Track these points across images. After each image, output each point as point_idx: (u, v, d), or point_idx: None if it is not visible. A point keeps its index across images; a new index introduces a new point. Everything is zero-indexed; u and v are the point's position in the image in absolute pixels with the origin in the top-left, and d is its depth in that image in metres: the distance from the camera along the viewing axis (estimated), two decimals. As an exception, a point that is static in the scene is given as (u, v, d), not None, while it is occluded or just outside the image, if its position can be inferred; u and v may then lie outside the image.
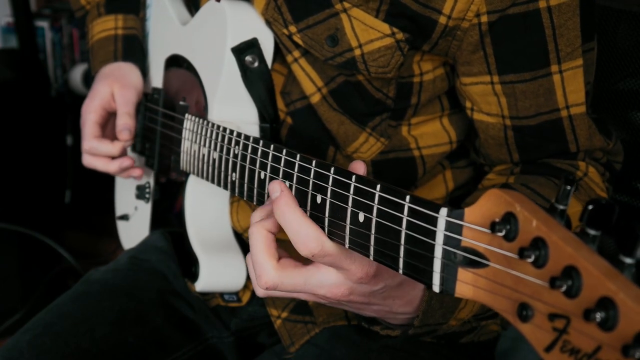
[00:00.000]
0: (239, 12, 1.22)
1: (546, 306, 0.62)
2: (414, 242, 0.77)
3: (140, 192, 1.49)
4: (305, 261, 0.95)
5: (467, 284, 0.71)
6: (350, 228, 0.86)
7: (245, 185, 1.08)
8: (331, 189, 0.89)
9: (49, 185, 2.74)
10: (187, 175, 1.30)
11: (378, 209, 0.82)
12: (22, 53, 2.65)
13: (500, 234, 0.67)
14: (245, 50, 1.20)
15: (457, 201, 1.33)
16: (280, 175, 0.98)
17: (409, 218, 0.78)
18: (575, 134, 1.14)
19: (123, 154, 1.41)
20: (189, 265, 1.29)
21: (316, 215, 0.92)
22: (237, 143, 1.10)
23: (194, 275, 1.28)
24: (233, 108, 1.23)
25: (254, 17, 1.21)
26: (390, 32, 1.12)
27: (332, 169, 0.89)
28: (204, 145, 1.21)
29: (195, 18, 1.34)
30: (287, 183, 0.97)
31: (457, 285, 0.73)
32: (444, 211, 0.73)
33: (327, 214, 0.90)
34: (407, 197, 0.78)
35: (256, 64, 1.21)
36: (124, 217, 1.59)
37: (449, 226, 0.73)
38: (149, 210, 1.48)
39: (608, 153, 1.20)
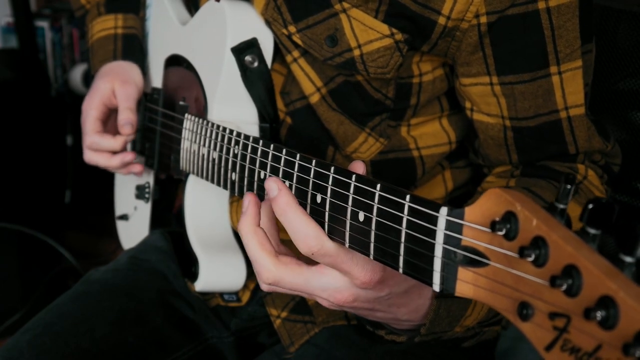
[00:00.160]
0: (238, 12, 1.22)
1: (546, 305, 0.62)
2: (414, 241, 0.77)
3: (140, 192, 1.49)
4: (309, 262, 0.94)
5: (467, 283, 0.71)
6: (350, 227, 0.86)
7: (245, 184, 1.08)
8: (331, 188, 0.89)
9: (49, 185, 2.74)
10: (186, 175, 1.30)
11: (378, 208, 0.82)
12: (22, 53, 2.65)
13: (500, 233, 0.67)
14: (245, 50, 1.20)
15: (457, 201, 1.33)
16: (280, 175, 0.98)
17: (409, 217, 0.78)
18: (574, 135, 1.14)
19: (124, 149, 1.41)
20: (189, 265, 1.29)
21: (316, 215, 0.92)
22: (237, 143, 1.10)
23: (193, 275, 1.28)
24: (233, 108, 1.23)
25: (253, 17, 1.21)
26: (389, 33, 1.12)
27: (332, 168, 0.89)
28: (204, 145, 1.21)
29: (194, 18, 1.34)
30: (287, 182, 0.96)
31: (457, 284, 0.73)
32: (444, 210, 0.73)
33: (327, 213, 0.90)
34: (407, 197, 0.78)
35: (256, 64, 1.21)
36: (124, 217, 1.59)
37: (449, 225, 0.73)
38: (148, 210, 1.48)
39: (606, 155, 1.20)
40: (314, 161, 0.92)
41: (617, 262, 0.59)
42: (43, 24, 2.83)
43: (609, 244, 0.67)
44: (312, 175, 0.92)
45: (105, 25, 1.51)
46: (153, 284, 1.37)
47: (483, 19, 1.07)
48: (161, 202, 1.45)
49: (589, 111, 1.16)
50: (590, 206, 0.63)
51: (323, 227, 0.91)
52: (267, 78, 1.22)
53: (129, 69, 1.47)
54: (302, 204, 0.93)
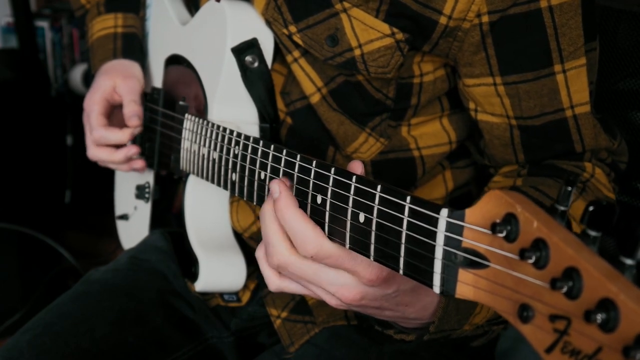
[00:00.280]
0: (238, 12, 1.21)
1: (547, 307, 0.62)
2: (414, 243, 0.77)
3: (140, 192, 1.49)
4: None
5: (467, 285, 0.71)
6: (351, 228, 0.86)
7: (246, 185, 1.08)
8: (331, 189, 0.89)
9: (49, 185, 2.74)
10: (187, 175, 1.30)
11: (379, 209, 0.82)
12: (22, 53, 2.65)
13: (501, 235, 0.67)
14: (245, 50, 1.20)
15: (457, 201, 1.33)
16: (280, 176, 0.98)
17: (409, 219, 0.78)
18: (580, 133, 1.13)
19: (130, 142, 1.41)
20: (189, 265, 1.29)
21: (317, 215, 0.92)
22: (237, 143, 1.10)
23: (193, 276, 1.28)
24: (233, 108, 1.23)
25: (253, 17, 1.21)
26: (390, 32, 1.12)
27: (333, 169, 0.89)
28: (204, 145, 1.21)
29: (195, 18, 1.34)
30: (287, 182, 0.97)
31: (457, 286, 0.73)
32: (444, 212, 0.73)
33: (327, 214, 0.90)
34: (408, 198, 0.78)
35: (256, 64, 1.21)
36: (124, 217, 1.59)
37: (450, 227, 0.73)
38: (148, 210, 1.48)
39: (613, 153, 1.19)
40: (314, 162, 0.92)
41: (618, 264, 0.59)
42: (43, 24, 2.83)
43: (610, 245, 0.67)
44: (312, 176, 0.92)
45: (105, 25, 1.51)
46: (153, 284, 1.37)
47: (485, 19, 1.07)
48: (161, 202, 1.45)
49: (594, 110, 1.16)
50: (591, 208, 0.63)
51: (323, 228, 0.91)
52: (267, 78, 1.22)
53: (130, 66, 1.47)
54: (303, 205, 0.93)
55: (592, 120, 1.13)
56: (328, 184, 0.89)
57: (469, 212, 0.71)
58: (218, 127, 1.17)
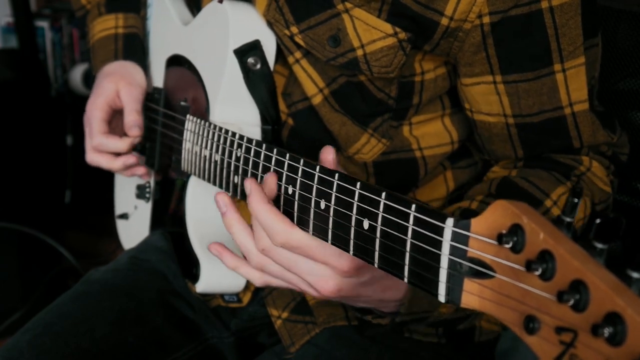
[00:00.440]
0: (241, 13, 1.21)
1: (553, 319, 0.62)
2: (419, 251, 0.77)
3: (141, 192, 1.49)
4: None
5: (473, 295, 0.71)
6: (354, 235, 0.86)
7: None
8: (335, 195, 0.89)
9: (49, 185, 2.74)
10: (188, 175, 1.30)
11: (383, 216, 0.82)
12: (22, 53, 2.65)
13: (507, 246, 0.67)
14: (248, 52, 1.20)
15: (458, 201, 1.33)
16: (284, 180, 0.98)
17: (414, 227, 0.78)
18: (578, 130, 1.14)
19: (129, 151, 1.41)
20: (190, 266, 1.29)
21: (320, 221, 0.92)
22: (240, 146, 1.10)
23: (194, 277, 1.28)
24: (235, 110, 1.23)
25: (255, 19, 1.21)
26: (392, 32, 1.11)
27: (337, 175, 0.89)
28: (206, 146, 1.21)
29: (197, 18, 1.33)
30: (290, 188, 0.97)
31: (462, 295, 0.73)
32: (450, 221, 0.73)
33: (330, 220, 0.90)
34: (413, 206, 0.78)
35: (258, 66, 1.20)
36: (124, 216, 1.58)
37: (455, 236, 0.73)
38: (149, 210, 1.48)
39: (613, 146, 1.20)
40: (317, 167, 0.92)
41: (625, 277, 0.60)
42: (43, 24, 2.83)
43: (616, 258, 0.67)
44: (315, 182, 0.92)
45: (105, 25, 1.51)
46: (153, 284, 1.37)
47: (486, 19, 1.07)
48: (162, 202, 1.45)
49: (597, 101, 1.16)
50: (598, 221, 0.63)
51: (326, 234, 0.91)
52: (269, 80, 1.22)
53: (133, 70, 1.46)
54: (306, 210, 0.93)
55: (590, 117, 1.14)
56: (332, 189, 0.89)
57: (474, 222, 0.71)
58: (220, 129, 1.17)
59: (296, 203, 0.96)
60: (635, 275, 0.59)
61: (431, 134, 1.26)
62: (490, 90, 1.13)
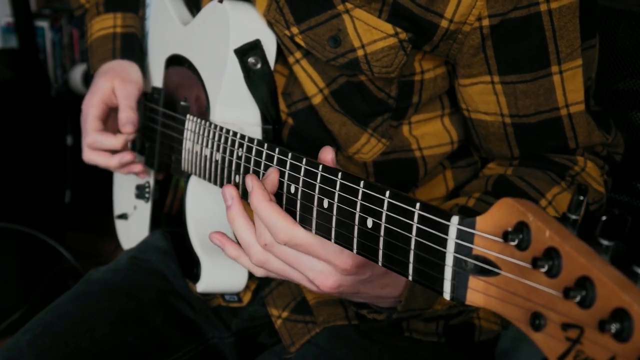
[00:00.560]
0: (241, 13, 1.21)
1: (559, 316, 0.62)
2: (424, 249, 0.77)
3: (140, 192, 1.49)
4: None
5: (478, 292, 0.71)
6: (358, 233, 0.86)
7: None
8: (339, 193, 0.89)
9: (49, 185, 2.73)
10: (188, 175, 1.30)
11: (387, 215, 0.82)
12: (22, 53, 2.64)
13: (512, 243, 0.67)
14: (248, 51, 1.20)
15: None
16: (286, 179, 0.98)
17: (419, 225, 0.78)
18: (574, 131, 1.15)
19: (124, 148, 1.41)
20: (190, 266, 1.29)
21: (323, 220, 0.92)
22: (241, 145, 1.10)
23: (195, 277, 1.28)
24: (235, 109, 1.23)
25: (256, 19, 1.21)
26: (393, 32, 1.12)
27: (340, 174, 0.89)
28: (206, 146, 1.21)
29: (197, 18, 1.33)
30: (293, 187, 0.97)
31: (468, 293, 0.73)
32: (455, 219, 0.73)
33: (334, 219, 0.90)
34: (417, 205, 0.78)
35: (259, 66, 1.21)
36: (123, 216, 1.58)
37: (461, 234, 0.73)
38: (148, 210, 1.48)
39: (608, 146, 1.21)
40: (320, 166, 0.92)
41: (630, 274, 0.60)
42: (43, 24, 2.83)
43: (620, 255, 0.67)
44: (319, 180, 0.92)
45: (104, 25, 1.51)
46: (153, 284, 1.37)
47: (485, 22, 1.07)
48: (161, 202, 1.45)
49: (593, 101, 1.16)
50: (604, 218, 0.63)
51: (330, 233, 0.91)
52: (270, 80, 1.22)
53: (129, 68, 1.46)
54: (309, 209, 0.94)
55: (585, 118, 1.14)
56: (335, 188, 0.89)
57: (480, 220, 0.71)
58: (221, 128, 1.17)
59: (299, 202, 0.96)
60: (641, 271, 0.59)
61: (431, 134, 1.27)
62: (488, 90, 1.13)
